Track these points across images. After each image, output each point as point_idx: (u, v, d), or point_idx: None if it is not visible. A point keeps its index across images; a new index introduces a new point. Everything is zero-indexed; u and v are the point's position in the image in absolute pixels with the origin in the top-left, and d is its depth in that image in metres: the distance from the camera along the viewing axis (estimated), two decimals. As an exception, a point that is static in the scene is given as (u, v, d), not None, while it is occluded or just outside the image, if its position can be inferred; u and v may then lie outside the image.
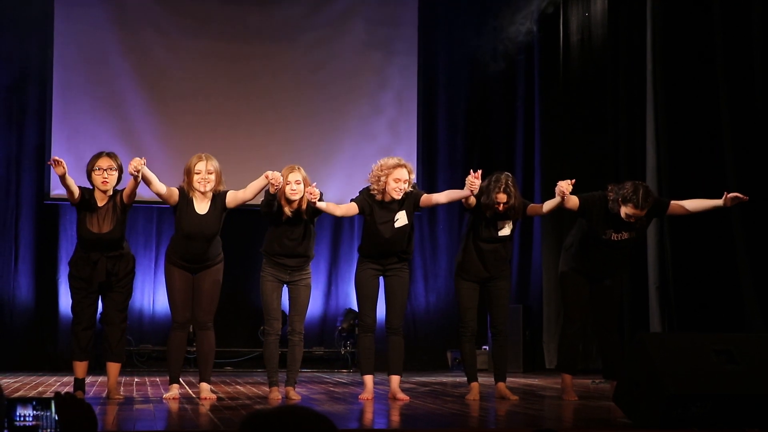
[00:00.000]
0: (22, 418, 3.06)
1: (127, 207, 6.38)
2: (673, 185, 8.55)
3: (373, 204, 6.52)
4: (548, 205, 6.60)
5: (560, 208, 6.54)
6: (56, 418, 3.00)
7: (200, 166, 6.38)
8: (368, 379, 6.62)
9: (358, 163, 10.17)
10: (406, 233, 6.57)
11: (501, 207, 6.45)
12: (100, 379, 7.59)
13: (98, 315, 6.56)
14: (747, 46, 7.96)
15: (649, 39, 9.03)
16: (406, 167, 6.48)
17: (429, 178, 10.89)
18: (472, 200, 6.45)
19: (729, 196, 6.31)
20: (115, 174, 6.36)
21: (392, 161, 6.47)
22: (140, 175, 6.10)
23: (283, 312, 6.68)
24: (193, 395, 6.67)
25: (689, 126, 8.61)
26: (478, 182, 6.23)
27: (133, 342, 9.66)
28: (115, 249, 6.38)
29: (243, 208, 6.95)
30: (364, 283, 6.63)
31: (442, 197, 6.65)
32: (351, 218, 10.01)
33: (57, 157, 6.08)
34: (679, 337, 5.13)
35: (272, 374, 6.55)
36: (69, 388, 6.68)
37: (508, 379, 6.87)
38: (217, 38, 10.39)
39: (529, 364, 10.12)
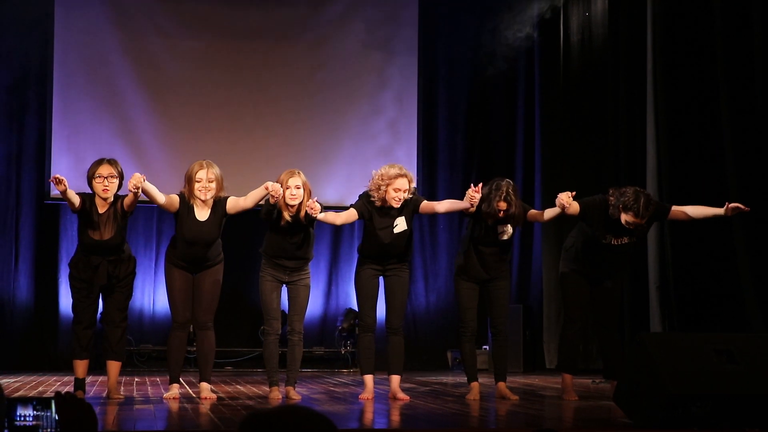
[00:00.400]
0: (22, 418, 3.06)
1: (127, 214, 6.38)
2: (673, 185, 8.54)
3: (373, 210, 6.50)
4: (549, 214, 6.61)
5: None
6: (56, 418, 3.00)
7: (201, 174, 6.37)
8: (368, 378, 6.61)
9: (358, 163, 10.16)
10: (405, 238, 6.56)
11: (501, 214, 6.45)
12: (100, 378, 7.59)
13: (99, 315, 6.57)
14: (747, 46, 7.95)
15: (649, 39, 9.02)
16: (406, 177, 6.44)
17: (429, 178, 10.89)
18: (472, 208, 6.45)
19: (730, 206, 6.31)
20: (116, 181, 6.34)
21: (393, 171, 6.42)
22: (140, 191, 6.10)
23: (282, 312, 6.68)
24: (194, 395, 6.67)
25: (689, 126, 8.60)
26: (478, 196, 6.23)
27: (133, 342, 9.65)
28: (116, 254, 6.38)
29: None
30: (364, 282, 6.62)
31: (441, 207, 6.64)
32: (351, 219, 9.99)
33: (58, 176, 6.02)
34: (680, 337, 5.12)
35: (272, 374, 6.55)
36: (69, 388, 6.68)
37: (509, 379, 6.87)
38: (217, 38, 10.38)
39: (529, 364, 10.11)
